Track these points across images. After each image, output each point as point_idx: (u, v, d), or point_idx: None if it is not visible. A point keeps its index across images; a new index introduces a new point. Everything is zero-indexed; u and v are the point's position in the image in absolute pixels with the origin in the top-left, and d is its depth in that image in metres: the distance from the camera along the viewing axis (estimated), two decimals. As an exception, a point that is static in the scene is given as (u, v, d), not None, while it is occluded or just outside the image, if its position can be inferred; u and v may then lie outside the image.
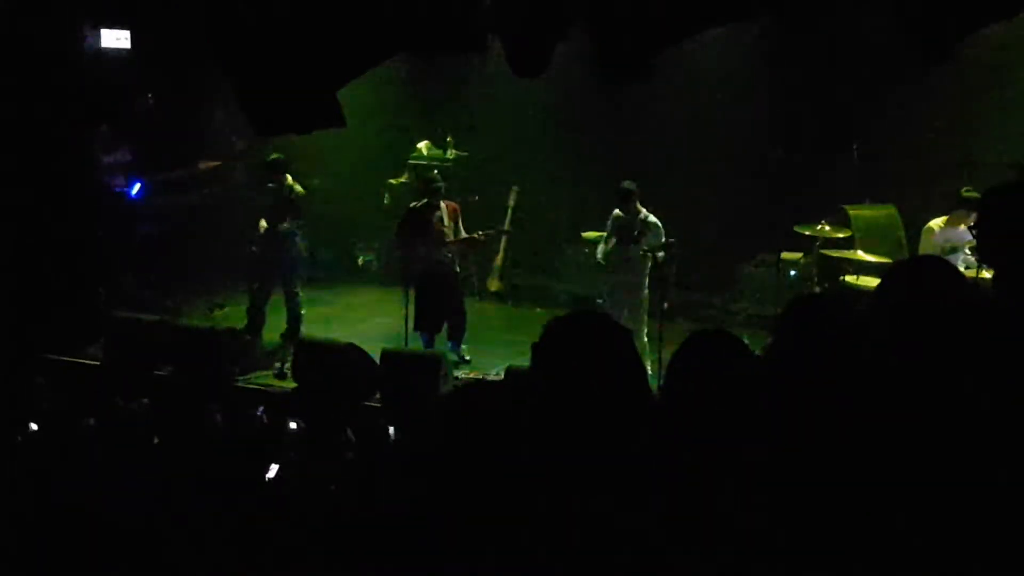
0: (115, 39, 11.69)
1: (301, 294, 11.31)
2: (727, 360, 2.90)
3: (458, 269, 10.85)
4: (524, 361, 9.76)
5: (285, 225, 10.91)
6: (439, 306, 10.65)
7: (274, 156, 11.09)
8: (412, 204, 10.74)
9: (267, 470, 6.46)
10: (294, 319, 11.23)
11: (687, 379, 2.89)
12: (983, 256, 3.61)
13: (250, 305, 11.23)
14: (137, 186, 13.02)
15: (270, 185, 10.98)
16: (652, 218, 10.20)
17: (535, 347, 2.86)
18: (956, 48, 5.85)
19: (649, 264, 10.19)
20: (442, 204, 10.58)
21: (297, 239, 11.08)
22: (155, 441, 6.62)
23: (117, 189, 12.77)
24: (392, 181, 14.25)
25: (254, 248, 11.06)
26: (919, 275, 3.33)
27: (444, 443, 2.18)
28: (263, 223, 11.02)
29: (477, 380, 9.04)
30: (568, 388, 2.72)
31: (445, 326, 10.78)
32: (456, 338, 10.80)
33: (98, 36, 11.35)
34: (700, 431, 2.76)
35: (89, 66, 10.74)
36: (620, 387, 2.73)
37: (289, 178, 11.03)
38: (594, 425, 2.65)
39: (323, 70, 5.16)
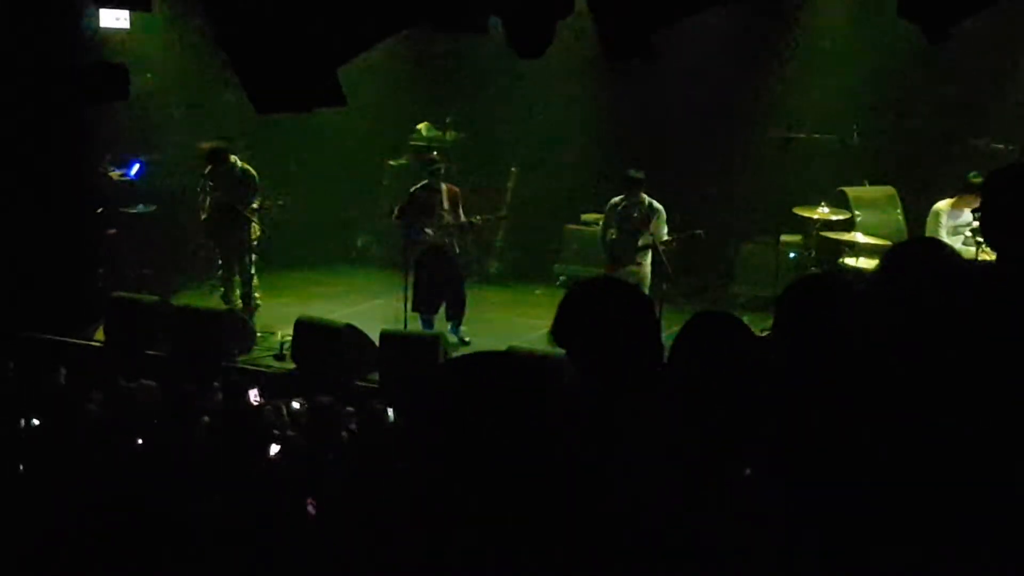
0: (114, 19, 11.64)
1: (256, 278, 11.30)
2: (730, 341, 2.90)
3: (457, 251, 10.83)
4: (525, 342, 9.79)
5: (239, 207, 10.87)
6: (438, 287, 10.65)
7: (213, 145, 11.09)
8: (413, 188, 10.70)
9: (267, 450, 6.47)
10: (246, 301, 11.25)
11: (690, 359, 2.90)
12: (987, 239, 3.60)
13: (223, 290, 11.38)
14: (136, 166, 12.99)
15: (217, 171, 10.97)
16: (656, 204, 10.21)
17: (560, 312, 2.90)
18: (957, 28, 5.83)
19: (651, 251, 10.20)
20: (443, 187, 10.55)
21: (253, 224, 11.04)
22: (157, 421, 6.63)
23: (115, 169, 12.75)
24: (392, 162, 14.23)
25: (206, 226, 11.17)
26: (918, 257, 3.33)
27: (442, 417, 2.16)
28: (206, 204, 11.04)
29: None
30: (593, 353, 2.75)
31: (443, 307, 10.78)
32: (455, 319, 10.79)
33: (97, 16, 11.30)
34: (703, 411, 2.76)
35: (88, 46, 10.69)
36: (641, 351, 2.76)
37: (235, 159, 11.03)
38: (615, 394, 2.67)
39: (324, 49, 5.14)
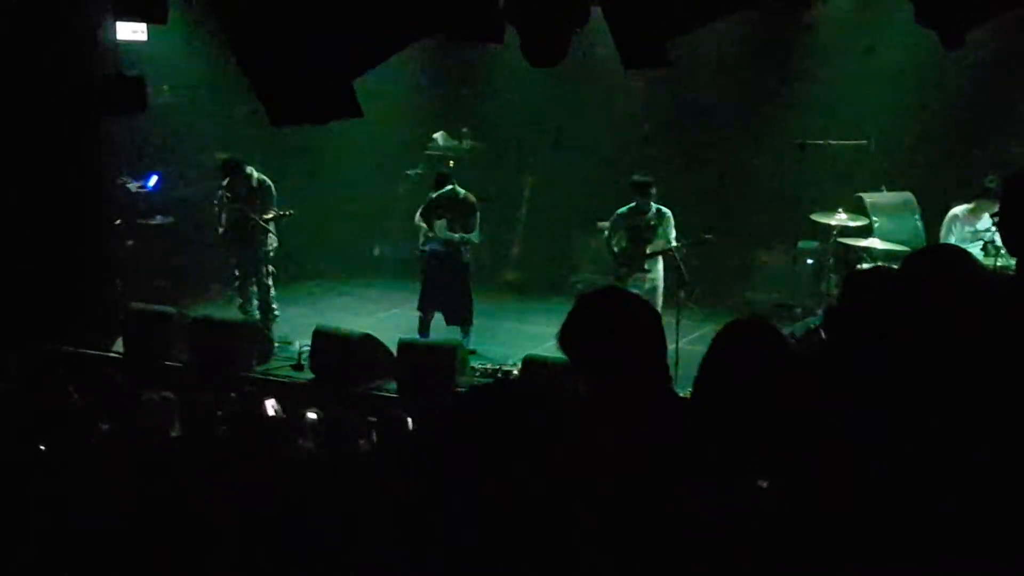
0: (132, 32, 11.69)
1: (274, 291, 11.30)
2: (765, 347, 2.88)
3: (467, 260, 10.80)
4: (542, 351, 9.76)
5: (255, 218, 10.90)
6: (437, 292, 10.66)
7: (229, 156, 11.13)
8: (436, 194, 10.71)
9: (280, 460, 6.46)
10: (264, 311, 11.26)
11: (726, 365, 2.88)
12: (1006, 244, 3.57)
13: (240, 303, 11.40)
14: (154, 178, 13.06)
15: (233, 182, 11.00)
16: (664, 209, 10.14)
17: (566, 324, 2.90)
18: (972, 34, 5.81)
19: (662, 258, 10.13)
20: (461, 193, 10.59)
21: (269, 235, 11.06)
22: (173, 433, 6.64)
23: (133, 181, 12.81)
24: (408, 172, 14.24)
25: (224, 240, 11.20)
26: (938, 264, 3.31)
27: (461, 445, 2.16)
28: (223, 216, 11.08)
29: (496, 379, 9.10)
30: (597, 362, 2.74)
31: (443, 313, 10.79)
32: (455, 323, 10.78)
33: (114, 29, 11.35)
34: (741, 421, 2.74)
35: (105, 58, 10.74)
36: (646, 361, 2.75)
37: (251, 171, 11.06)
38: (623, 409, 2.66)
39: (339, 60, 5.15)
